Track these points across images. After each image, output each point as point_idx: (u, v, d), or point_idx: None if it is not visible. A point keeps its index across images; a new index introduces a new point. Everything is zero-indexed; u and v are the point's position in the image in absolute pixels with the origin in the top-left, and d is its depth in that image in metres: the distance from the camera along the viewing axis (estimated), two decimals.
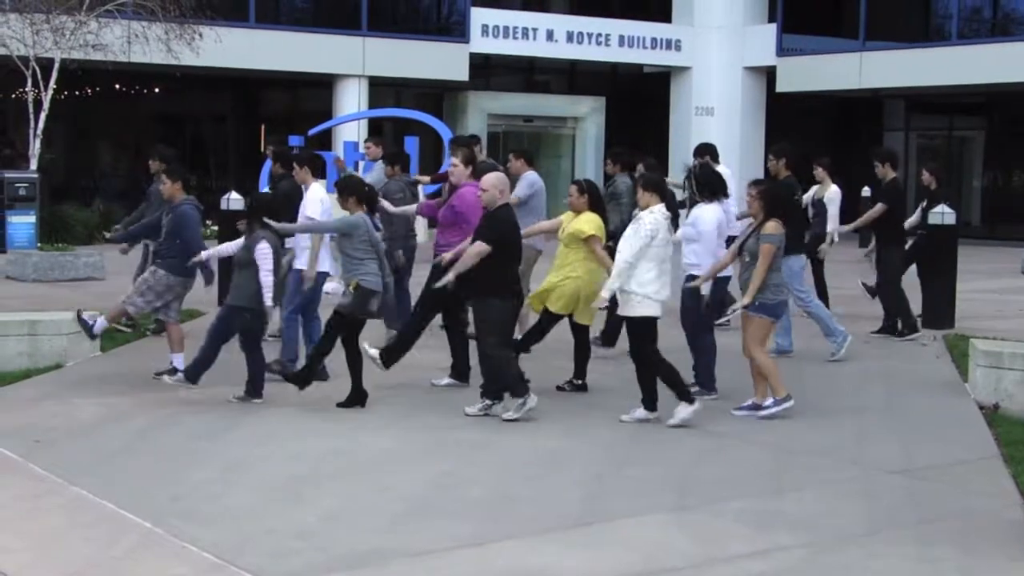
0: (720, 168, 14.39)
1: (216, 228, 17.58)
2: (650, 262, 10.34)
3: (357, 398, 10.86)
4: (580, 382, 11.71)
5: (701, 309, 11.38)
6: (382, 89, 34.21)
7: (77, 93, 32.35)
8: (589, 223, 11.44)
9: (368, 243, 10.85)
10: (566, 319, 11.62)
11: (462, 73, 33.99)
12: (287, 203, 12.38)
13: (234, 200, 16.51)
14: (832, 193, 15.81)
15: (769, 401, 10.73)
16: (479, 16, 34.28)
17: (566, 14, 36.91)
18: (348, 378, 10.95)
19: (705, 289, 11.32)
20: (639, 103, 38.70)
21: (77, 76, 27.15)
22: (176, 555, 6.98)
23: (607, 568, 6.91)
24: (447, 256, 11.39)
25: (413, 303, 12.83)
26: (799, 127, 36.63)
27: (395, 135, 30.63)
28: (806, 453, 9.65)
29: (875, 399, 11.82)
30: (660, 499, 8.26)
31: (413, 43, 33.48)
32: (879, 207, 15.39)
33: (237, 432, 9.99)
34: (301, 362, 11.68)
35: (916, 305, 16.32)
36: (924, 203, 16.51)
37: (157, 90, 35.84)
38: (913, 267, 16.28)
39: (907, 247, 16.02)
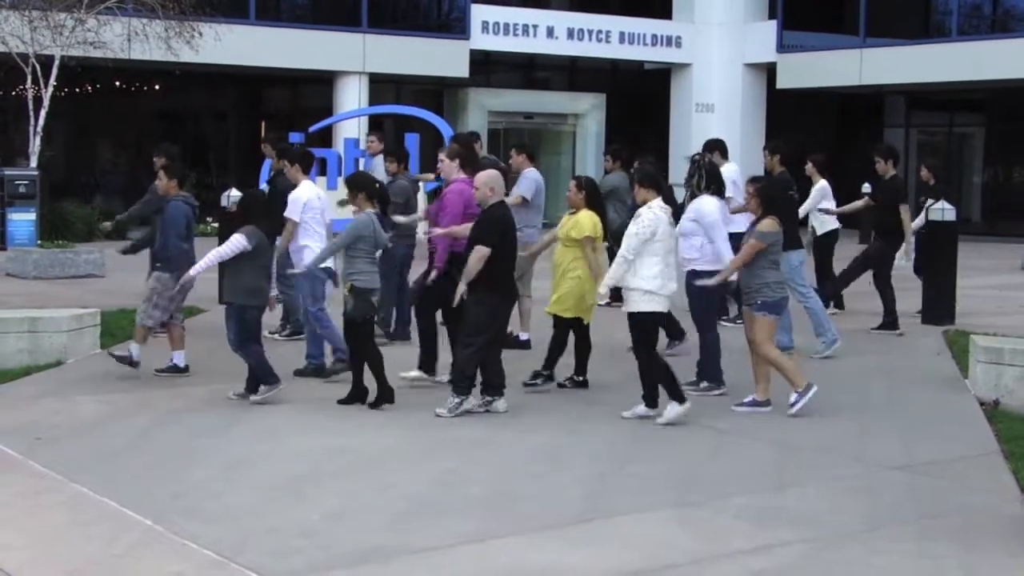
0: (729, 165, 14.42)
1: (216, 225, 17.55)
2: (654, 257, 10.33)
3: (358, 395, 10.86)
4: (581, 379, 11.70)
5: (713, 301, 11.43)
6: (382, 86, 34.21)
7: (77, 90, 32.35)
8: (586, 222, 11.42)
9: (372, 244, 10.87)
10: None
11: (462, 70, 34.00)
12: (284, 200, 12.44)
13: (234, 197, 16.47)
14: (817, 188, 15.85)
15: (793, 396, 10.71)
16: (479, 12, 34.29)
17: (566, 11, 36.93)
18: (349, 376, 10.97)
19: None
20: (639, 100, 38.72)
21: (77, 73, 27.18)
22: (177, 553, 6.98)
23: (609, 565, 6.91)
24: (437, 231, 11.47)
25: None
26: (799, 124, 36.65)
27: (395, 132, 30.61)
28: (807, 449, 9.65)
29: (876, 395, 11.82)
30: (662, 496, 8.26)
31: (413, 40, 33.49)
32: (866, 200, 15.51)
33: (238, 430, 9.99)
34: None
35: (916, 301, 16.34)
36: (927, 201, 16.53)
37: (157, 87, 35.85)
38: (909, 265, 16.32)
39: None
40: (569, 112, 36.75)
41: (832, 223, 16.41)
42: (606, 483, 8.58)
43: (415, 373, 11.67)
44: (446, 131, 24.11)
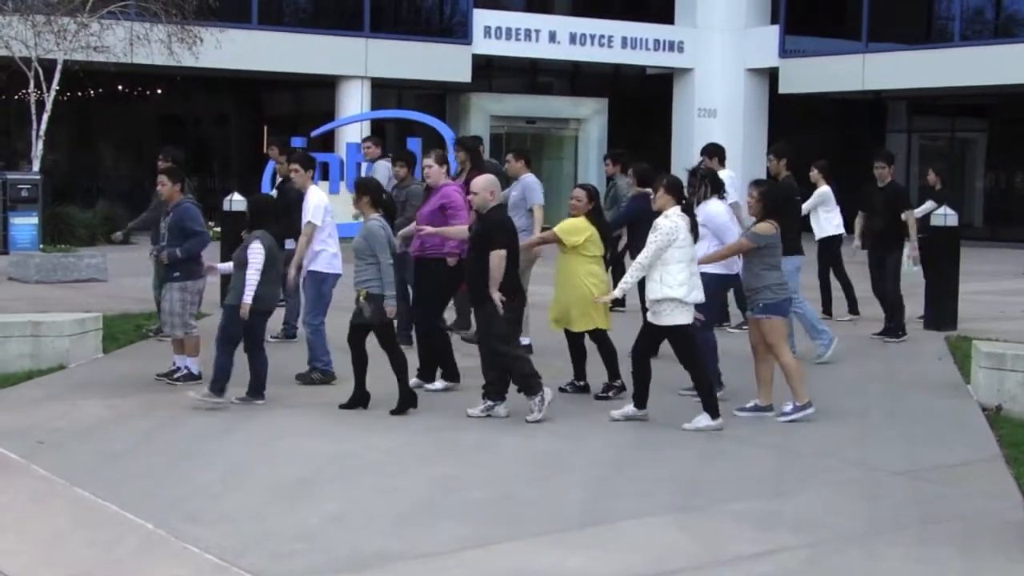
0: (724, 172, 14.39)
1: (219, 229, 17.55)
2: (680, 263, 10.27)
3: (360, 399, 10.86)
4: (582, 383, 11.70)
5: (714, 305, 11.44)
6: (384, 90, 34.25)
7: (80, 94, 32.38)
8: (576, 226, 11.36)
9: (385, 250, 10.90)
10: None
11: (464, 74, 34.02)
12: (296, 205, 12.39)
13: (236, 201, 16.52)
14: (818, 192, 15.82)
15: (789, 407, 10.71)
16: (481, 17, 34.30)
17: (568, 15, 36.93)
18: (353, 381, 10.98)
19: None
20: (642, 105, 38.72)
21: (79, 78, 27.18)
22: (178, 557, 6.99)
23: (610, 570, 6.91)
24: (429, 230, 11.52)
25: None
26: (801, 129, 36.64)
27: (398, 136, 30.65)
28: (809, 454, 9.65)
29: (878, 400, 11.82)
30: (663, 500, 8.26)
31: (415, 44, 33.50)
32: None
33: (240, 434, 9.99)
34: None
35: (919, 306, 16.33)
36: (932, 204, 16.55)
37: (160, 91, 35.90)
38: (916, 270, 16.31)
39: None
40: (571, 117, 36.76)
41: (832, 228, 16.38)
42: (608, 487, 8.58)
43: (440, 384, 11.74)
44: (448, 136, 24.15)
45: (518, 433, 10.09)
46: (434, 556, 7.05)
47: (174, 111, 37.56)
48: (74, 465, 8.85)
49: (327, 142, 29.74)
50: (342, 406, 10.81)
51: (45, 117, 24.89)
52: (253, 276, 10.82)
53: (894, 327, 15.31)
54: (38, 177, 24.94)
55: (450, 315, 14.36)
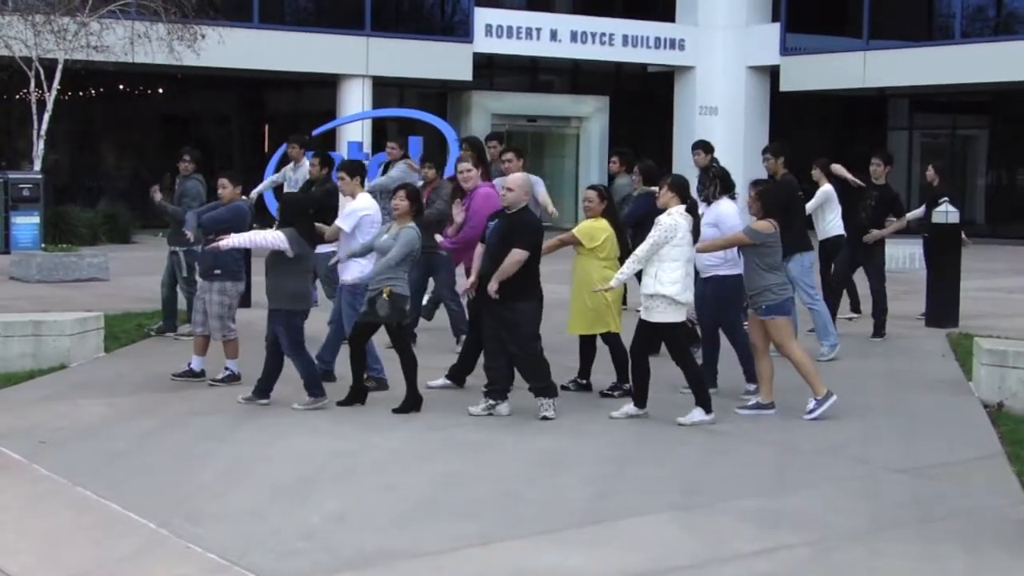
0: None
1: None
2: (675, 261, 10.28)
3: (356, 396, 10.88)
4: (585, 381, 11.70)
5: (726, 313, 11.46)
6: (386, 89, 34.26)
7: (80, 94, 32.42)
8: (597, 230, 11.32)
9: (414, 257, 10.91)
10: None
11: (466, 73, 34.03)
12: (330, 208, 12.28)
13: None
14: (821, 191, 15.77)
15: (812, 403, 10.71)
16: (483, 16, 34.31)
17: (570, 14, 36.97)
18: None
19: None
20: (643, 102, 38.74)
21: (80, 77, 27.19)
22: (180, 556, 6.99)
23: (613, 567, 6.91)
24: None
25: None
26: (803, 126, 36.66)
27: (399, 135, 30.63)
28: (811, 452, 9.65)
29: (880, 398, 11.82)
30: (665, 498, 8.26)
31: (417, 43, 33.52)
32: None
33: (241, 433, 9.99)
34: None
35: (920, 304, 16.34)
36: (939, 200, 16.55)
37: (161, 90, 35.91)
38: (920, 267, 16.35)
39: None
40: (572, 115, 36.77)
41: (835, 229, 16.35)
42: (610, 486, 8.58)
43: (441, 381, 11.71)
44: (449, 134, 24.12)
45: (520, 431, 10.09)
46: (436, 554, 7.05)
47: (175, 110, 37.57)
48: (76, 464, 8.85)
49: (328, 141, 29.73)
50: (340, 403, 10.82)
51: (46, 116, 24.90)
52: (246, 238, 10.88)
53: (877, 326, 15.26)
54: (39, 176, 24.95)
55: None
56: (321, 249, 11.81)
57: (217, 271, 11.83)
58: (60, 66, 24.88)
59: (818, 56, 35.85)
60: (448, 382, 11.68)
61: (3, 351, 12.28)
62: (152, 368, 12.35)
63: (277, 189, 19.79)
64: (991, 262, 25.19)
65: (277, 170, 20.18)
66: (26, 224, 24.53)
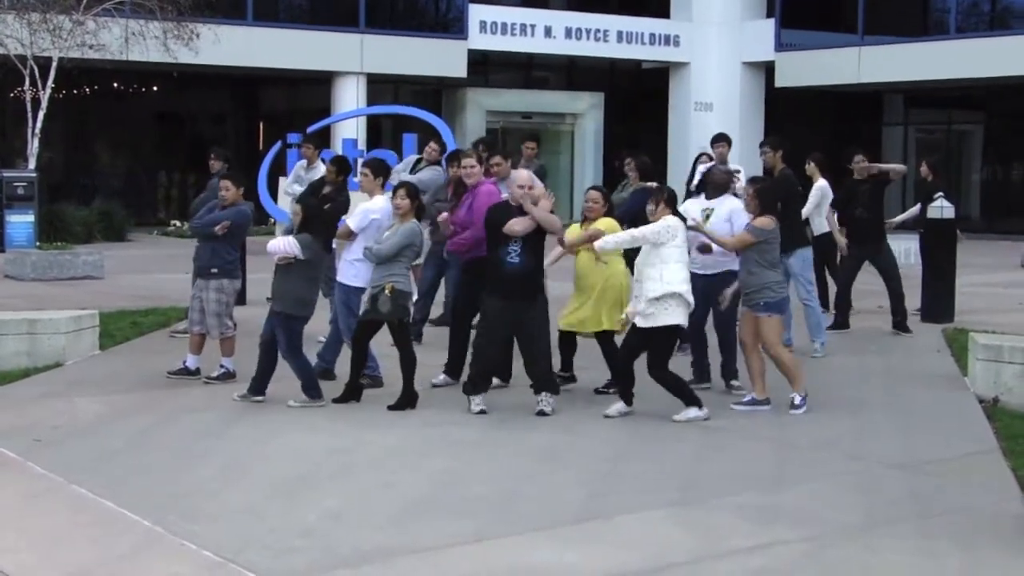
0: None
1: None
2: (679, 263, 10.31)
3: (352, 393, 10.89)
4: (568, 374, 11.65)
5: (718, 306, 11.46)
6: (381, 86, 34.24)
7: (75, 92, 32.38)
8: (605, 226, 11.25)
9: (415, 252, 10.92)
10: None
11: (460, 70, 34.02)
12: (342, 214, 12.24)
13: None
14: (817, 187, 15.76)
15: (798, 399, 10.74)
16: (477, 12, 34.31)
17: (564, 10, 36.96)
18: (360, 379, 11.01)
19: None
20: (638, 99, 38.75)
21: (75, 75, 27.16)
22: (177, 554, 6.98)
23: (608, 564, 6.91)
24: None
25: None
26: (798, 122, 36.65)
27: (394, 132, 30.64)
28: (806, 447, 9.66)
29: (875, 393, 11.82)
30: (661, 495, 8.26)
31: (411, 40, 33.51)
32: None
33: (237, 430, 9.99)
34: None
35: (916, 299, 16.33)
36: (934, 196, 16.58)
37: (155, 89, 35.90)
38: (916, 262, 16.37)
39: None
40: (567, 111, 36.77)
41: (828, 225, 16.33)
42: (605, 482, 8.58)
43: (443, 378, 11.71)
44: (444, 131, 24.11)
45: (515, 428, 10.09)
46: (433, 551, 7.05)
47: (170, 108, 37.55)
48: (72, 463, 8.84)
49: (323, 138, 29.72)
50: (335, 400, 10.82)
51: (41, 115, 24.89)
52: (270, 245, 10.86)
53: (842, 320, 15.25)
54: (34, 175, 24.94)
55: (436, 310, 14.36)
56: None
57: (214, 269, 11.83)
58: (55, 64, 24.87)
59: (813, 52, 35.87)
60: (449, 379, 11.68)
61: None
62: (147, 366, 12.34)
63: (273, 186, 19.82)
64: (987, 257, 25.20)
65: (272, 167, 20.17)
66: (21, 222, 24.50)
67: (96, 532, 7.40)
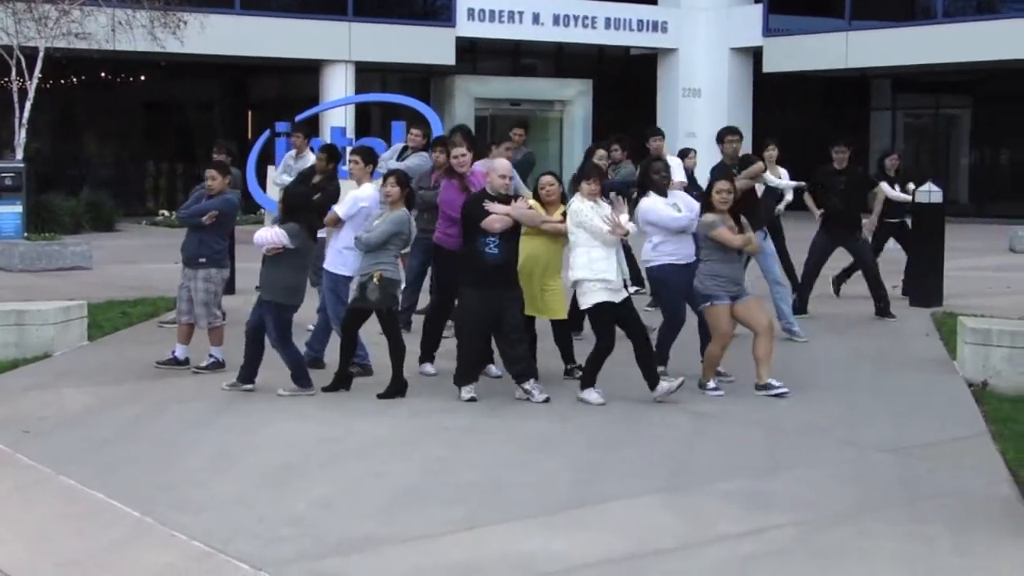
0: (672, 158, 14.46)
1: None
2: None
3: (341, 382, 10.89)
4: (571, 365, 11.67)
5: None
6: (369, 74, 34.19)
7: (63, 82, 32.28)
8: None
9: (404, 240, 10.91)
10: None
11: (448, 57, 33.97)
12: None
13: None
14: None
15: (712, 383, 10.92)
16: (465, 0, 34.23)
17: None
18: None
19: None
20: (626, 85, 38.71)
21: (62, 65, 27.07)
22: (166, 544, 6.98)
23: (599, 550, 6.91)
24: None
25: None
26: (786, 107, 36.67)
27: (382, 120, 30.58)
28: (796, 432, 9.66)
29: (864, 378, 11.83)
30: (651, 481, 8.26)
31: (399, 28, 33.46)
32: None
33: (226, 420, 9.98)
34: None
35: (896, 280, 16.38)
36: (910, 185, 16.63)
37: (143, 78, 35.81)
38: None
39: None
40: (556, 98, 36.70)
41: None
42: (595, 469, 8.58)
43: (432, 368, 11.74)
44: (433, 119, 24.06)
45: (506, 416, 10.09)
46: (423, 539, 7.05)
47: (158, 97, 37.47)
48: (60, 454, 8.83)
49: (312, 127, 29.65)
50: (325, 388, 10.82)
51: (28, 105, 24.78)
52: (258, 236, 10.81)
53: (801, 304, 15.24)
54: (22, 165, 24.84)
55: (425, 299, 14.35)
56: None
57: (202, 259, 11.82)
58: (41, 54, 24.77)
59: (800, 37, 35.86)
60: (432, 368, 11.69)
61: None
62: (136, 356, 12.32)
63: (262, 176, 19.75)
64: (975, 241, 25.25)
65: (261, 156, 20.10)
66: (8, 213, 24.38)
67: (85, 523, 7.39)
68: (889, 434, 9.59)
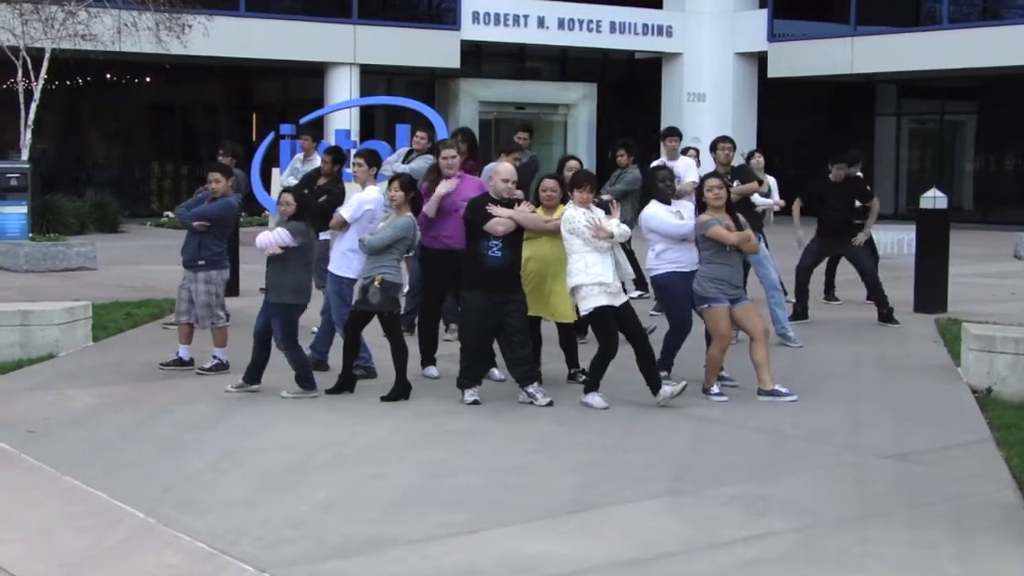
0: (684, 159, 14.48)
1: None
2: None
3: (345, 385, 10.89)
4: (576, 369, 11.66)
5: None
6: (373, 77, 34.20)
7: (68, 83, 32.32)
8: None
9: (407, 245, 10.92)
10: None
11: (453, 60, 33.97)
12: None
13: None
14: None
15: (716, 388, 10.93)
16: (470, 3, 34.24)
17: (557, 1, 36.84)
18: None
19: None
20: (630, 89, 38.72)
21: (68, 66, 27.09)
22: (169, 545, 6.98)
23: (601, 555, 6.91)
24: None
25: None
26: (791, 112, 36.66)
27: (387, 123, 30.61)
28: (798, 437, 9.66)
29: (867, 383, 11.83)
30: (654, 485, 8.26)
31: (404, 31, 33.46)
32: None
33: (230, 422, 9.98)
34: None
35: (909, 290, 16.35)
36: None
37: (149, 80, 35.83)
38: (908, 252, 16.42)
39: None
40: (560, 102, 36.69)
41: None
42: (598, 473, 8.58)
43: (435, 371, 11.75)
44: (437, 122, 24.06)
45: (508, 419, 10.09)
46: (425, 542, 7.05)
47: (163, 99, 37.50)
48: (64, 454, 8.84)
49: (317, 128, 29.65)
50: (328, 391, 10.82)
51: (33, 106, 24.78)
52: (261, 239, 10.81)
53: (801, 310, 15.24)
54: (27, 166, 24.83)
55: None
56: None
57: (201, 262, 11.84)
58: (47, 55, 24.78)
59: (805, 42, 35.84)
60: (436, 371, 11.70)
61: None
62: (140, 357, 12.33)
63: (265, 176, 19.76)
64: (980, 247, 25.23)
65: (266, 158, 20.10)
66: (14, 214, 24.37)
67: (89, 523, 7.39)
68: (892, 440, 9.59)
